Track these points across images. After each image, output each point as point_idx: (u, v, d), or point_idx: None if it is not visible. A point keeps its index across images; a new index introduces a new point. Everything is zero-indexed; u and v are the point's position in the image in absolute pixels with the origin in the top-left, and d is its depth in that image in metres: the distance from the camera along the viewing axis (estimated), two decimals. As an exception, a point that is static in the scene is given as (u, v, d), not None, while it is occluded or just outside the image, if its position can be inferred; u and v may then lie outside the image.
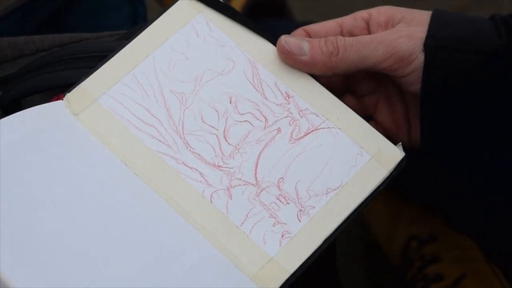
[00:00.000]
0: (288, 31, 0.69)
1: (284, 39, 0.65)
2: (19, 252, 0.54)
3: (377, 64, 0.64)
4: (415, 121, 0.68)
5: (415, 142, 0.69)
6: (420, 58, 0.64)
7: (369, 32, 0.68)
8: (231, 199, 0.61)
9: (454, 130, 0.66)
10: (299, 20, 1.23)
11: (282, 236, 0.60)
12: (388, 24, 0.67)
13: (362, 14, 0.68)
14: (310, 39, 0.66)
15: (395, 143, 0.64)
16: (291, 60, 0.65)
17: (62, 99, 0.63)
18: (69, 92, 0.63)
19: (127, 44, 0.64)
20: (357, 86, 0.70)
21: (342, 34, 0.68)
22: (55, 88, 0.65)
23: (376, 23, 0.67)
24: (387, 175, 0.62)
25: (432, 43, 0.63)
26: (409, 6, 0.68)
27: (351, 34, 0.68)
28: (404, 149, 0.64)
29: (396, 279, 1.03)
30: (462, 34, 0.64)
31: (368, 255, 1.10)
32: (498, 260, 0.95)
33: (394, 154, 0.63)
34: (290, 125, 0.64)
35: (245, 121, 0.63)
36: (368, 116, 0.69)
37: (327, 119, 0.64)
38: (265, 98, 0.64)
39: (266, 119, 0.64)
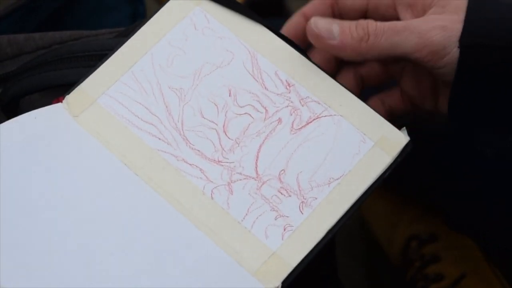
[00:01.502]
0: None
1: (314, 21, 0.63)
2: (20, 256, 0.55)
3: (408, 53, 0.62)
4: (444, 89, 0.66)
5: (442, 109, 0.67)
6: (454, 53, 0.61)
7: (395, 10, 0.65)
8: (232, 194, 0.61)
9: (482, 120, 0.65)
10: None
11: (284, 230, 0.60)
12: (418, 4, 0.64)
13: None
14: (341, 22, 0.63)
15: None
16: (320, 43, 0.63)
17: (62, 102, 0.63)
18: (68, 94, 0.63)
19: (125, 42, 0.64)
20: None
21: (368, 9, 0.66)
22: (54, 87, 0.65)
23: (405, 2, 0.65)
24: (391, 162, 0.61)
25: (468, 42, 0.61)
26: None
27: (377, 11, 0.66)
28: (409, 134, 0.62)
29: (396, 279, 1.02)
30: (501, 29, 0.61)
31: (368, 255, 1.10)
32: (498, 260, 0.95)
33: (398, 140, 0.61)
34: (291, 115, 0.63)
35: (245, 113, 0.63)
36: (393, 82, 0.68)
37: (329, 107, 0.63)
38: (265, 88, 0.63)
39: (266, 110, 0.63)
